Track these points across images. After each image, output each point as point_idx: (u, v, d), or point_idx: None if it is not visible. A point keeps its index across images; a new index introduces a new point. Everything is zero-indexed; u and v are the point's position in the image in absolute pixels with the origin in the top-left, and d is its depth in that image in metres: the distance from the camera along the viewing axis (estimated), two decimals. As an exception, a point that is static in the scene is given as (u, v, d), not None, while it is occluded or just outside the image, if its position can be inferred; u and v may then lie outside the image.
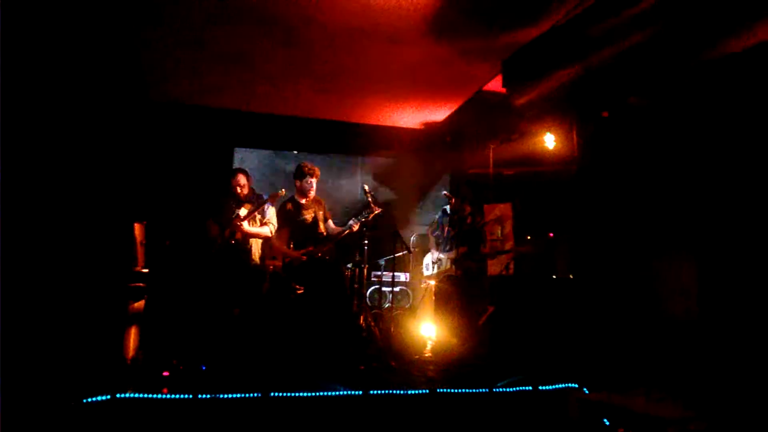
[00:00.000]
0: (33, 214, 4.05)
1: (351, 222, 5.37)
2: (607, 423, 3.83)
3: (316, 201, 5.58)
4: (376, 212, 5.41)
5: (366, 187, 5.59)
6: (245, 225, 5.48)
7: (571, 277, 5.95)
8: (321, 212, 5.58)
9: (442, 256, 6.17)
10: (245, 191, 5.65)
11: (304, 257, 5.33)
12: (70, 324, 3.99)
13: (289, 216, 5.47)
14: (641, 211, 4.75)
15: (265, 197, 5.70)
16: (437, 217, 6.31)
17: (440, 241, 6.32)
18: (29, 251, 3.91)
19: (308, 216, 5.48)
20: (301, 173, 5.47)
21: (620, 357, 4.60)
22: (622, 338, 4.67)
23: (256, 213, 5.53)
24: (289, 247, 5.54)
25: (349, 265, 5.76)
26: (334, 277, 5.44)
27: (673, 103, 4.39)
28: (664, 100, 4.36)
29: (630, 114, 4.69)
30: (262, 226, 5.61)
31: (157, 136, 6.69)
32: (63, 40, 4.56)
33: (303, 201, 5.52)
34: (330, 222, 5.63)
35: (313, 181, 5.42)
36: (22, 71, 4.04)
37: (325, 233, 5.49)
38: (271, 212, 5.65)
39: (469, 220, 6.12)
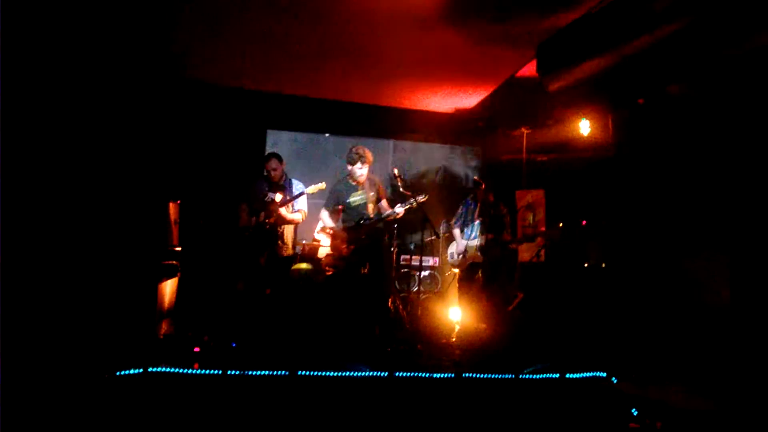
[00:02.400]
0: (68, 193, 4.17)
1: (396, 208, 5.38)
2: (636, 413, 3.79)
3: (370, 181, 5.58)
4: (422, 200, 5.44)
5: (396, 171, 5.59)
6: (281, 210, 5.55)
7: (603, 265, 5.87)
8: (372, 193, 5.58)
9: (470, 243, 6.12)
10: (278, 175, 5.71)
11: (344, 235, 5.39)
12: (105, 300, 4.11)
13: (340, 198, 5.53)
14: (676, 201, 4.64)
15: (298, 184, 5.75)
16: (461, 207, 6.24)
17: (465, 229, 6.28)
18: (62, 229, 4.03)
19: (356, 199, 5.52)
20: (351, 158, 5.48)
21: (651, 347, 4.53)
22: (654, 328, 4.60)
23: (290, 202, 5.61)
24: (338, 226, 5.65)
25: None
26: (376, 259, 5.47)
27: (712, 93, 4.26)
28: (703, 89, 4.23)
29: (667, 102, 4.56)
30: (294, 213, 5.68)
31: (192, 117, 6.80)
32: (101, 22, 4.64)
33: (353, 183, 5.54)
34: (384, 202, 5.63)
35: (365, 167, 5.42)
36: (60, 52, 4.13)
37: (372, 215, 5.49)
38: (302, 201, 5.72)
39: (493, 210, 6.07)
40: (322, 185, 5.65)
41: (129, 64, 5.44)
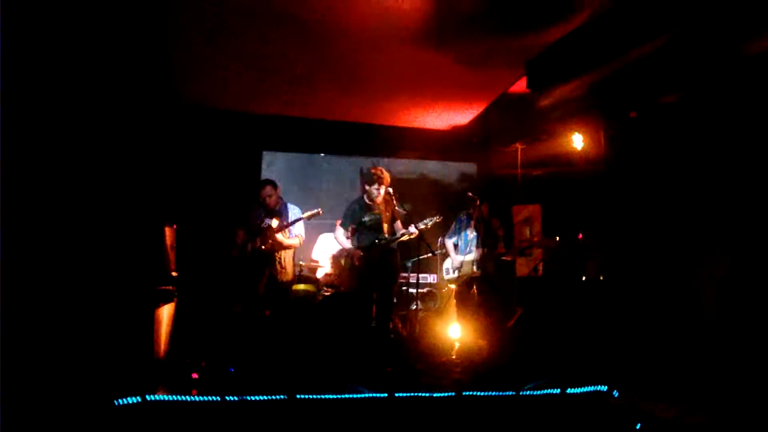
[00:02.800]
0: (64, 217, 4.17)
1: (411, 228, 5.39)
2: (639, 427, 3.76)
3: (386, 201, 5.59)
4: (437, 220, 5.56)
5: (390, 190, 5.59)
6: (278, 236, 5.57)
7: (601, 278, 5.86)
8: (388, 214, 5.58)
9: (465, 258, 6.13)
10: (273, 201, 5.74)
11: (358, 254, 5.39)
12: (100, 326, 4.09)
13: (354, 216, 5.53)
14: (671, 212, 4.65)
15: (294, 209, 5.77)
16: (454, 223, 6.27)
17: (459, 244, 6.29)
18: (58, 254, 4.02)
19: (371, 218, 5.51)
20: (370, 179, 5.48)
21: (652, 360, 4.51)
22: (654, 341, 4.58)
23: (287, 227, 5.63)
24: (353, 245, 5.63)
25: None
26: (387, 279, 5.47)
27: (706, 102, 4.29)
28: (696, 99, 4.26)
29: (660, 114, 4.59)
30: (291, 238, 5.68)
31: (186, 141, 6.82)
32: (94, 47, 4.68)
33: (369, 203, 5.55)
34: (398, 223, 5.64)
35: (382, 188, 5.43)
36: (53, 76, 4.15)
37: (387, 235, 5.48)
38: (299, 226, 5.72)
39: (486, 224, 6.10)
40: (318, 211, 5.67)
41: (125, 90, 5.47)
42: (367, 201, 5.54)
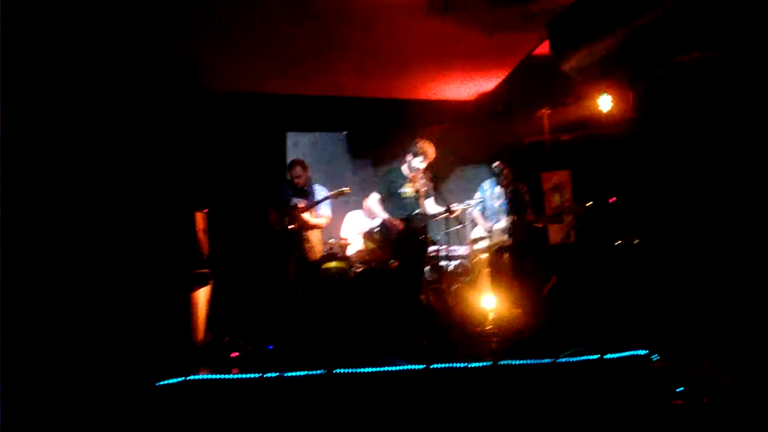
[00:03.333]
0: (98, 206, 4.25)
1: (453, 206, 5.37)
2: (680, 390, 3.71)
3: (422, 177, 5.54)
4: (477, 200, 5.69)
5: (423, 167, 5.53)
6: (305, 216, 5.60)
7: (635, 242, 5.77)
8: (424, 189, 5.55)
9: (495, 226, 6.09)
10: (301, 182, 5.76)
11: (401, 226, 5.33)
12: (140, 311, 4.19)
13: (391, 187, 5.47)
14: (704, 170, 4.52)
15: (322, 189, 5.77)
16: (479, 192, 6.20)
17: (487, 213, 6.24)
18: (95, 241, 4.11)
19: (410, 191, 5.46)
20: (415, 151, 5.43)
21: (692, 322, 4.43)
22: (692, 303, 4.50)
23: (313, 206, 5.63)
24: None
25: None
26: (417, 252, 5.44)
27: (737, 56, 4.13)
28: (726, 53, 4.10)
29: (688, 70, 4.44)
30: (317, 218, 5.70)
31: (211, 125, 6.86)
32: (118, 39, 4.71)
33: (409, 175, 5.50)
34: (431, 200, 5.61)
35: (425, 162, 5.39)
36: (80, 69, 4.20)
37: (423, 211, 5.45)
38: (326, 206, 5.72)
39: (513, 190, 6.04)
40: (345, 189, 5.64)
41: (149, 79, 5.52)
42: (405, 172, 5.48)
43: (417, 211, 5.38)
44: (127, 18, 4.74)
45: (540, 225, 6.39)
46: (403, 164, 5.52)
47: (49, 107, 3.95)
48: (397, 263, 5.42)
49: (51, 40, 3.95)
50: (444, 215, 5.39)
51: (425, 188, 5.50)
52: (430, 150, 5.40)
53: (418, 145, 5.41)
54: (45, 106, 3.88)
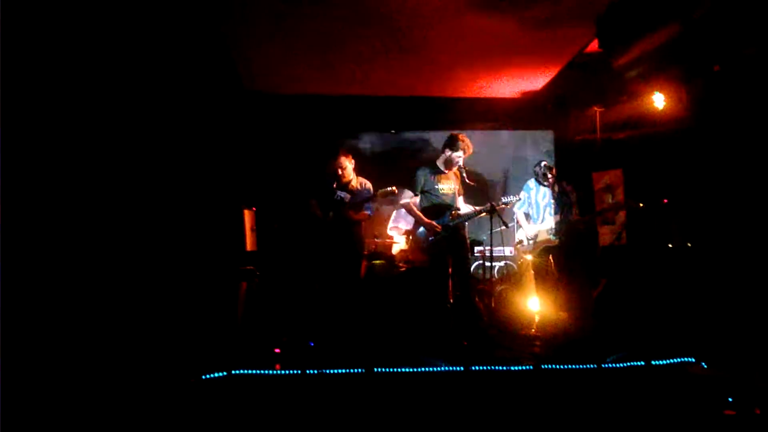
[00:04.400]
0: (153, 206, 4.42)
1: (494, 203, 5.26)
2: (731, 400, 3.57)
3: (456, 174, 5.43)
4: (516, 199, 5.63)
5: (461, 163, 5.44)
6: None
7: (688, 245, 5.56)
8: (458, 187, 5.43)
9: (539, 227, 5.97)
10: (347, 173, 5.71)
11: (438, 228, 5.23)
12: (190, 306, 4.34)
13: (427, 182, 5.26)
14: (761, 173, 4.32)
15: (366, 183, 5.75)
16: (523, 192, 6.05)
17: (530, 213, 6.11)
18: (147, 239, 4.28)
19: (447, 188, 5.29)
20: (453, 145, 5.28)
21: (743, 330, 4.24)
22: (744, 310, 4.30)
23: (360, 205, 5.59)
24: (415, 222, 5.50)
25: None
26: (460, 251, 5.36)
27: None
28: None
29: (745, 66, 4.24)
30: (360, 214, 5.63)
31: (261, 127, 7.02)
32: (170, 46, 4.88)
33: (446, 171, 5.38)
34: (461, 198, 5.50)
35: (463, 157, 5.27)
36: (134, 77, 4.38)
37: (456, 209, 5.34)
38: (371, 206, 5.65)
39: (560, 188, 5.90)
40: (394, 188, 5.57)
41: (202, 80, 5.67)
42: (442, 168, 5.32)
43: (451, 211, 5.24)
44: (187, 24, 4.91)
45: (581, 227, 6.17)
46: (439, 158, 5.37)
47: (108, 106, 4.13)
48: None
49: (109, 38, 4.11)
50: (482, 214, 5.26)
51: (458, 185, 5.36)
52: (468, 144, 5.25)
53: (458, 137, 5.24)
54: (103, 105, 4.06)
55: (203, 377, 3.62)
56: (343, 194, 5.67)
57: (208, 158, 5.51)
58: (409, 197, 5.25)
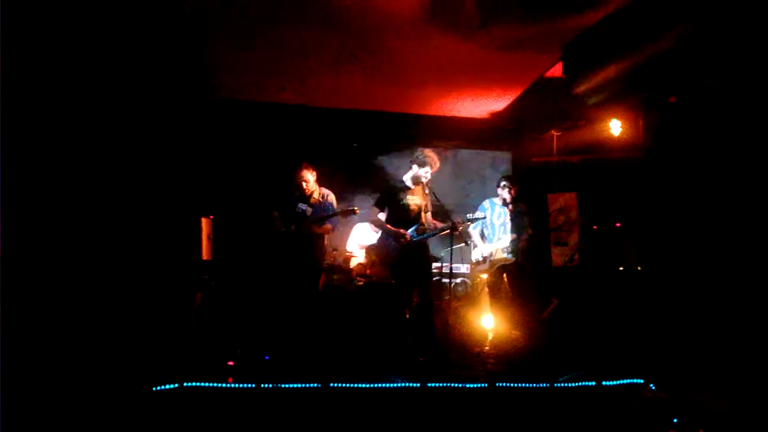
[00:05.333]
0: (100, 210, 4.26)
1: (457, 220, 5.27)
2: (676, 421, 3.69)
3: (422, 190, 5.43)
4: (480, 216, 5.68)
5: (428, 179, 5.48)
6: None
7: (639, 268, 5.74)
8: (424, 203, 5.44)
9: (494, 246, 6.05)
10: (309, 186, 5.70)
11: (407, 236, 5.20)
12: (140, 316, 4.20)
13: (393, 198, 5.28)
14: (713, 199, 4.51)
15: (329, 195, 5.73)
16: (480, 210, 6.09)
17: (487, 233, 6.20)
18: (97, 245, 4.12)
19: (413, 202, 5.30)
20: (421, 161, 5.29)
21: (690, 352, 4.40)
22: (693, 333, 4.46)
23: (323, 220, 5.58)
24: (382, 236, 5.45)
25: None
26: (421, 267, 5.37)
27: (747, 85, 4.13)
28: (736, 82, 4.10)
29: (700, 97, 4.44)
30: (320, 227, 5.62)
31: (222, 134, 6.89)
32: (132, 46, 4.75)
33: (412, 186, 5.39)
34: (429, 215, 5.49)
35: (430, 173, 5.28)
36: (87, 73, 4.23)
37: (425, 225, 5.34)
38: (335, 220, 5.66)
39: (515, 208, 6.03)
40: (355, 209, 5.58)
41: (161, 85, 5.56)
42: (409, 183, 5.35)
43: (417, 226, 5.27)
44: (143, 18, 4.78)
45: (535, 240, 6.30)
46: (406, 174, 5.41)
47: (55, 108, 3.97)
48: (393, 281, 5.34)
49: (62, 39, 3.97)
50: (446, 231, 5.30)
51: (424, 201, 5.39)
52: (435, 160, 5.30)
53: (424, 153, 5.29)
54: (49, 107, 3.91)
55: (154, 389, 3.51)
56: (304, 207, 5.66)
57: (165, 163, 5.36)
58: (378, 215, 5.27)
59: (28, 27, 3.57)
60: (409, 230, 5.20)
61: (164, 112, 5.32)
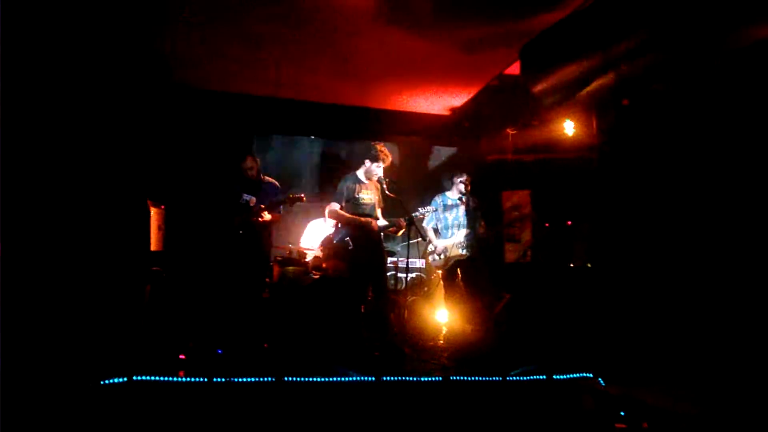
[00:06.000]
0: (50, 198, 4.09)
1: (410, 216, 5.31)
2: (623, 415, 3.80)
3: (376, 185, 5.45)
4: (432, 210, 5.85)
5: (381, 174, 5.51)
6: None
7: (588, 265, 5.90)
8: (378, 198, 5.46)
9: (447, 242, 6.09)
10: (253, 173, 5.63)
11: (372, 221, 5.27)
12: (88, 307, 4.05)
13: (349, 192, 5.31)
14: (661, 200, 4.68)
15: (272, 183, 5.67)
16: (433, 205, 6.15)
17: (438, 228, 6.24)
18: (44, 236, 3.96)
19: (367, 198, 5.34)
20: (373, 156, 5.30)
21: (638, 348, 4.55)
22: (641, 329, 4.62)
23: (265, 206, 5.50)
24: (337, 227, 5.44)
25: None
26: (377, 262, 5.42)
27: (697, 90, 4.29)
28: (687, 87, 4.26)
29: (652, 101, 4.59)
30: (273, 214, 5.56)
31: (178, 121, 6.69)
32: (82, 26, 4.57)
33: (365, 181, 5.40)
34: (380, 210, 5.52)
35: (382, 168, 5.30)
36: (40, 57, 4.05)
37: (377, 220, 5.37)
38: (279, 209, 5.62)
39: (468, 205, 6.11)
40: (302, 196, 5.55)
41: (114, 66, 5.37)
42: (362, 178, 5.39)
43: (377, 218, 5.32)
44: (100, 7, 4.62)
45: (489, 240, 6.40)
46: (359, 169, 5.44)
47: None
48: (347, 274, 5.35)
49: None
50: (391, 228, 5.39)
51: (377, 196, 5.43)
52: (387, 155, 5.34)
53: (377, 148, 5.33)
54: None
55: (102, 382, 3.39)
56: (248, 197, 5.58)
57: (115, 147, 5.17)
58: (337, 208, 5.28)
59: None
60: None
61: (115, 95, 5.14)
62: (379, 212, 5.45)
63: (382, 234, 5.48)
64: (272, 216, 5.51)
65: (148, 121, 5.91)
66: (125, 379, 3.47)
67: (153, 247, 5.37)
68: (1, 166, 3.65)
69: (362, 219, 5.27)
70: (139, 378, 3.53)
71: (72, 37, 4.55)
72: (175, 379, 3.66)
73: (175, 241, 5.78)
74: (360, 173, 5.40)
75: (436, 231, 6.26)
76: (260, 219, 5.44)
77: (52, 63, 4.30)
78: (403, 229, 5.41)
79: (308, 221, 7.27)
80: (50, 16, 4.26)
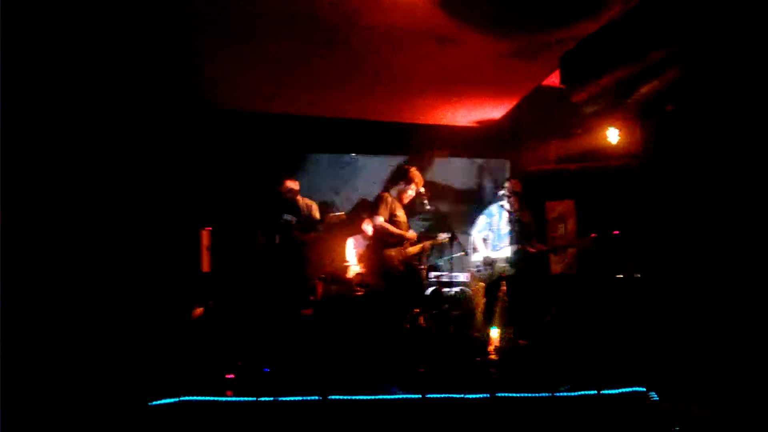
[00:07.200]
0: (105, 222, 4.26)
1: (441, 235, 5.58)
2: (678, 430, 3.67)
3: (412, 204, 5.76)
4: (445, 239, 6.02)
5: (422, 190, 5.59)
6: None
7: (637, 276, 5.74)
8: (406, 218, 5.75)
9: (494, 255, 6.02)
10: (292, 196, 5.80)
11: (414, 236, 5.60)
12: (139, 328, 4.18)
13: (387, 208, 5.57)
14: (711, 207, 4.52)
15: (311, 204, 5.80)
16: (484, 216, 6.13)
17: (489, 239, 6.18)
18: (98, 258, 4.11)
19: (401, 216, 5.62)
20: (406, 178, 5.60)
21: (693, 362, 4.39)
22: (695, 342, 4.45)
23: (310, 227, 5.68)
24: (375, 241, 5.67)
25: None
26: (412, 278, 5.58)
27: (746, 96, 4.15)
28: (731, 92, 4.12)
29: (697, 106, 4.46)
30: (309, 234, 5.73)
31: (219, 145, 6.88)
32: (128, 59, 4.76)
33: (402, 202, 5.65)
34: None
35: (413, 189, 5.58)
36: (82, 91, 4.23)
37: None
38: (319, 228, 5.80)
39: (521, 217, 6.03)
40: (342, 214, 5.75)
41: (160, 98, 5.57)
42: (397, 197, 5.63)
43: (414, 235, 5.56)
44: (141, 34, 4.80)
45: (539, 251, 6.31)
46: (393, 189, 5.69)
47: (58, 120, 3.97)
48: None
49: (61, 49, 3.97)
50: (419, 248, 5.59)
51: (406, 217, 5.68)
52: (420, 178, 5.61)
53: (410, 171, 5.60)
54: (53, 120, 3.91)
55: (151, 403, 3.48)
56: (289, 217, 5.72)
57: (166, 174, 5.36)
58: (381, 220, 5.47)
59: (30, 37, 3.58)
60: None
61: (161, 124, 5.33)
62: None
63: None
64: (312, 234, 5.64)
65: (194, 146, 6.11)
66: (175, 399, 3.56)
67: (203, 269, 5.53)
68: (59, 193, 3.83)
69: (407, 234, 5.55)
70: (188, 398, 3.60)
71: (133, 78, 4.76)
72: (223, 398, 3.72)
73: (220, 262, 5.92)
74: (393, 192, 5.60)
75: (485, 240, 6.21)
76: (301, 237, 5.56)
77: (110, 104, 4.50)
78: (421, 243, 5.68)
79: (348, 237, 7.32)
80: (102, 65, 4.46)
